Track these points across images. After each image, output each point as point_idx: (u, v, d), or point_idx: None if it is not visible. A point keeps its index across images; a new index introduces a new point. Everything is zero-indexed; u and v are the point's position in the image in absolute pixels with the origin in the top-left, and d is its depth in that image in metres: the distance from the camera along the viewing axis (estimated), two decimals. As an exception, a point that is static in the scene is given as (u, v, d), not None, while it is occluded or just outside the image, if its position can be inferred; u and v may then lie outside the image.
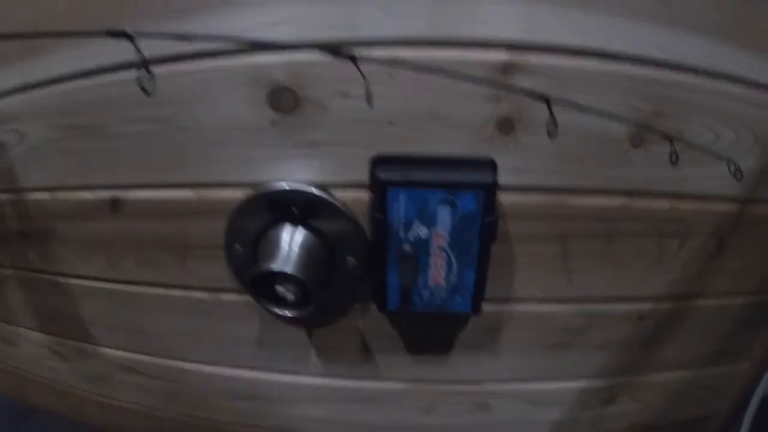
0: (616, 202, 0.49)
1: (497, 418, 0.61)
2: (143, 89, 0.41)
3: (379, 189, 0.43)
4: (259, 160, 0.48)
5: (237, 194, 0.49)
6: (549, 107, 0.40)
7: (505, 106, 0.44)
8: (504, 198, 0.47)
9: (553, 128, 0.40)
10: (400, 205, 0.43)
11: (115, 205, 0.53)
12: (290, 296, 0.46)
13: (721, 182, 0.50)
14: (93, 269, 0.59)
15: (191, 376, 0.62)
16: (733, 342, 0.61)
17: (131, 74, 0.47)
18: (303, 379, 0.59)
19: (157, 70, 0.45)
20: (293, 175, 0.48)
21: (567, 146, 0.46)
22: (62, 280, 0.61)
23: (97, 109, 0.50)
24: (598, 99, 0.44)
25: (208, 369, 0.61)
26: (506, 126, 0.45)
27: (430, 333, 0.55)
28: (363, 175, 0.47)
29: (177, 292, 0.56)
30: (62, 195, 0.55)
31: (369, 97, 0.37)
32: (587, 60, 0.44)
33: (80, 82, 0.49)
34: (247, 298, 0.55)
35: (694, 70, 0.46)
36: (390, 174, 0.43)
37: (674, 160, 0.45)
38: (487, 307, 0.50)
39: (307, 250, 0.47)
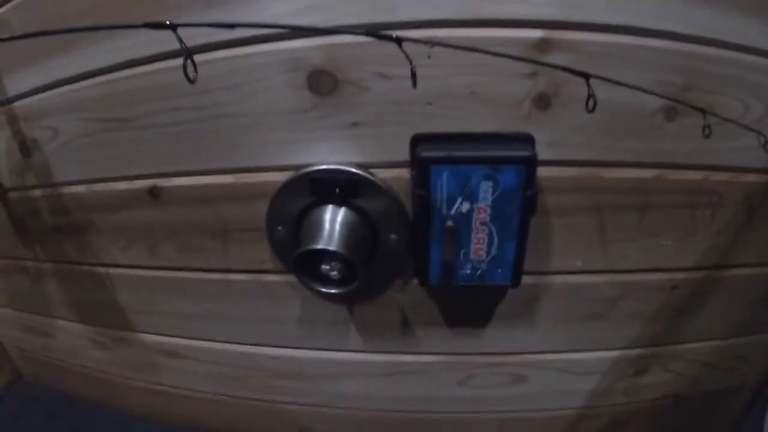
0: (649, 174, 0.47)
1: (533, 389, 0.59)
2: (187, 78, 0.40)
3: (422, 167, 0.41)
4: (299, 142, 0.46)
5: (277, 177, 0.48)
6: (588, 83, 0.38)
7: (542, 83, 0.42)
8: (541, 172, 0.45)
9: (592, 103, 0.38)
10: (443, 182, 0.41)
11: (154, 193, 0.52)
12: (335, 274, 0.45)
13: (750, 154, 0.48)
14: (133, 258, 0.58)
15: (235, 357, 0.61)
16: (763, 311, 0.58)
17: (168, 64, 0.46)
18: (344, 356, 0.58)
19: (197, 58, 0.45)
20: (334, 157, 0.46)
21: (602, 121, 0.44)
22: (101, 270, 0.61)
23: (133, 101, 0.49)
24: (632, 74, 0.42)
25: (252, 349, 0.60)
26: (543, 102, 0.43)
27: (469, 306, 0.54)
28: (403, 154, 0.45)
29: (218, 276, 0.55)
30: (99, 187, 0.55)
31: (414, 78, 0.35)
32: (620, 36, 0.42)
33: (115, 74, 0.48)
34: (288, 278, 0.54)
35: (724, 44, 0.44)
36: (432, 152, 0.41)
37: (707, 133, 0.42)
38: (525, 280, 0.48)
39: (350, 228, 0.45)
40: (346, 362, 0.58)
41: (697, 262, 0.53)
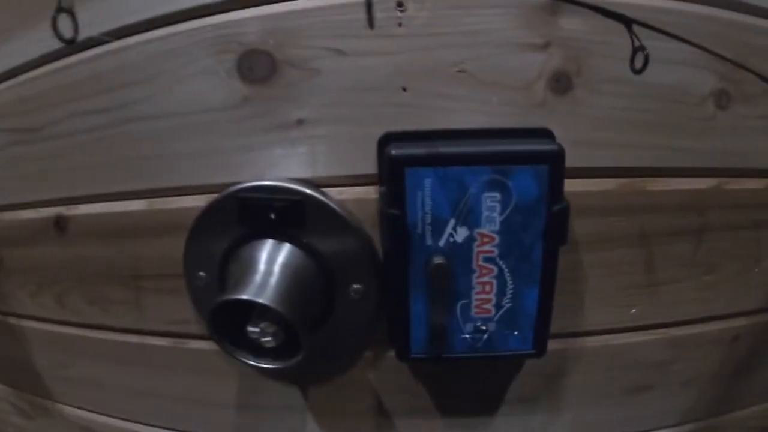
0: (705, 184, 0.29)
1: None
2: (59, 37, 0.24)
3: (393, 171, 0.23)
4: (227, 152, 0.28)
5: (200, 202, 0.29)
6: (631, 31, 0.23)
7: (558, 56, 0.26)
8: (568, 185, 0.26)
9: (641, 60, 0.23)
10: (425, 194, 0.23)
11: (60, 224, 0.33)
12: (268, 340, 0.25)
13: None
14: (42, 308, 0.37)
15: None
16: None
17: (79, 57, 0.28)
18: None
19: (109, 47, 0.28)
20: (273, 171, 0.28)
21: (640, 109, 0.27)
22: (14, 321, 0.39)
23: (41, 106, 0.30)
24: (674, 46, 0.26)
25: None
26: (561, 83, 0.26)
27: (469, 387, 0.32)
28: (369, 164, 0.27)
29: (132, 338, 0.34)
30: (6, 215, 0.35)
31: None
32: None
33: (24, 76, 0.30)
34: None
35: None
36: (409, 149, 0.23)
37: None
38: (551, 344, 0.29)
39: (293, 273, 0.26)
40: (299, 465, 0.37)
41: (761, 301, 0.34)
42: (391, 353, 0.28)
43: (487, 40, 0.26)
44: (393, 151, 0.23)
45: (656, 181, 0.29)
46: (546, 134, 0.25)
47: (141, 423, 0.38)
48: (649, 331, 0.32)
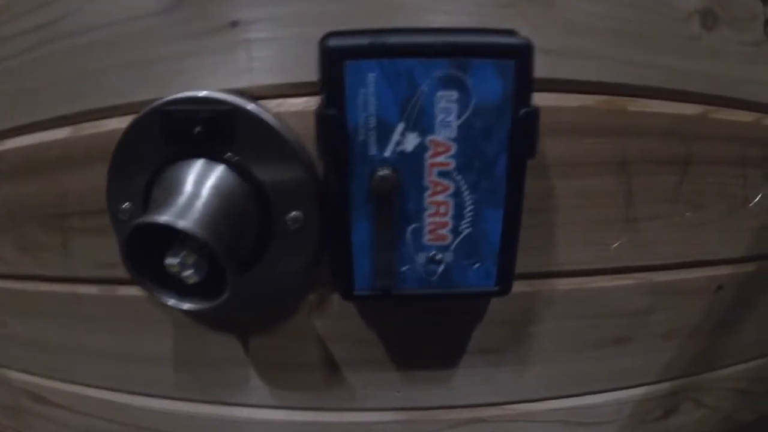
0: (690, 109, 0.25)
1: None
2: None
3: (330, 67, 0.18)
4: (154, 64, 0.23)
5: (123, 124, 0.23)
6: None
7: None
8: (541, 99, 0.21)
9: None
10: (368, 92, 0.18)
11: None
12: (189, 273, 0.20)
13: None
14: None
15: (103, 407, 0.33)
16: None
17: None
18: (241, 412, 0.29)
19: None
20: (204, 82, 0.22)
21: (620, 18, 0.22)
22: None
23: None
24: None
25: (120, 398, 0.31)
26: (710, 19, 0.22)
27: (427, 335, 0.27)
28: (311, 71, 0.21)
29: (63, 288, 0.29)
30: None
31: None
32: None
33: None
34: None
35: None
36: (348, 40, 0.18)
37: None
38: (518, 286, 0.24)
39: (221, 197, 0.21)
40: (244, 422, 0.30)
41: (748, 249, 0.29)
42: (338, 297, 0.23)
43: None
44: (331, 42, 0.18)
45: (637, 101, 0.24)
46: (511, 33, 0.20)
47: (83, 384, 0.33)
48: (627, 275, 0.27)
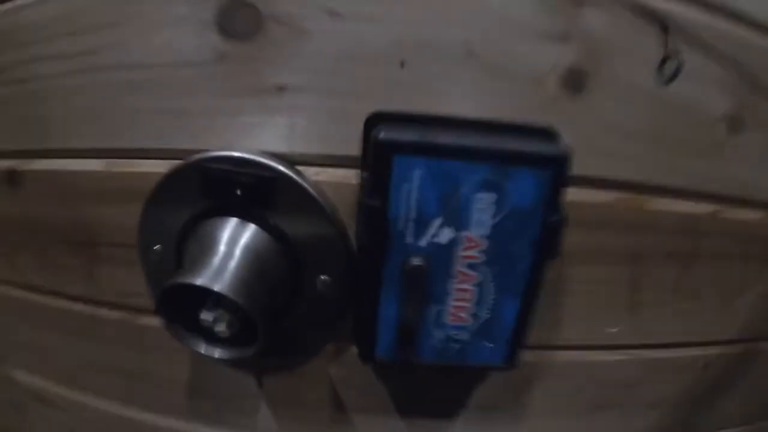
0: (704, 209, 0.26)
1: None
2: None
3: (379, 157, 0.18)
4: (195, 115, 0.23)
5: (161, 168, 0.24)
6: (666, 34, 0.19)
7: (577, 51, 0.21)
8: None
9: (673, 68, 0.19)
10: (412, 187, 0.18)
11: (12, 179, 0.27)
12: (222, 329, 0.21)
13: None
14: None
15: (109, 418, 0.34)
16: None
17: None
18: None
19: None
20: (245, 141, 0.23)
21: (653, 121, 0.23)
22: None
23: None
24: (700, 60, 0.22)
25: (128, 412, 0.32)
26: (576, 80, 0.22)
27: (432, 391, 0.29)
28: (352, 145, 0.22)
29: (83, 307, 0.29)
30: None
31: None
32: (687, 6, 0.22)
33: None
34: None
35: None
36: (399, 134, 0.18)
37: None
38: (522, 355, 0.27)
39: (255, 258, 0.21)
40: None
41: (736, 332, 0.31)
42: (354, 349, 0.24)
43: (501, 21, 0.21)
44: (382, 134, 0.18)
45: (655, 200, 0.25)
46: (551, 134, 0.21)
47: (92, 394, 0.33)
48: (624, 351, 0.28)
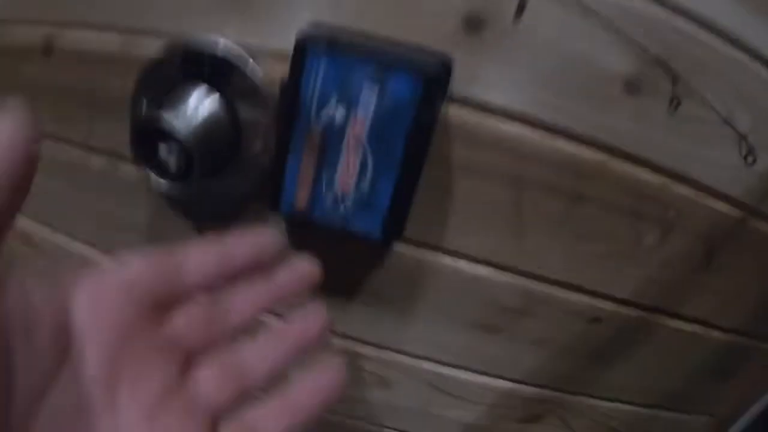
0: (591, 155, 0.34)
1: (398, 400, 0.43)
2: None
3: (298, 49, 0.29)
4: (192, 8, 0.35)
5: (159, 45, 0.36)
6: None
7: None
8: (456, 112, 0.33)
9: (522, 6, 0.27)
10: (318, 74, 0.29)
11: (46, 49, 0.40)
12: (172, 162, 0.32)
13: (726, 173, 0.35)
14: None
15: (82, 259, 0.47)
16: (696, 385, 0.43)
17: None
18: None
19: None
20: (224, 30, 0.34)
21: (548, 69, 0.32)
22: None
23: None
24: (598, 26, 0.31)
25: (98, 255, 0.45)
26: (474, 23, 0.31)
27: (333, 263, 0.36)
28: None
29: (78, 153, 0.42)
30: (4, 29, 0.43)
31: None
32: None
33: None
34: (143, 176, 0.40)
35: (719, 32, 0.32)
36: (315, 33, 0.29)
37: (675, 105, 0.30)
38: (407, 250, 0.36)
39: (211, 118, 0.33)
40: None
41: (632, 295, 0.39)
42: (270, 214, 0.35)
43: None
44: (303, 32, 0.29)
45: (544, 135, 0.33)
46: (443, 58, 0.31)
47: (71, 237, 0.47)
48: (506, 273, 0.37)
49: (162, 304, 0.24)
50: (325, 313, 0.28)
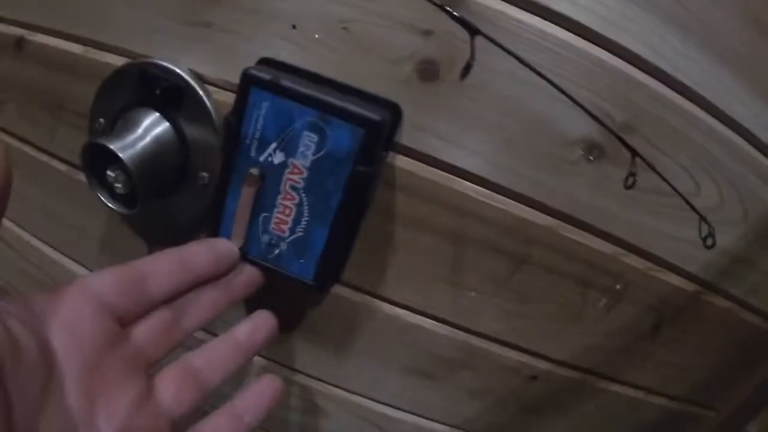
0: (542, 220, 0.32)
1: (333, 430, 0.42)
2: None
3: (242, 85, 0.27)
4: (152, 29, 0.33)
5: (120, 62, 0.34)
6: (472, 41, 0.24)
7: (435, 46, 0.29)
8: (402, 162, 0.31)
9: (465, 68, 0.24)
10: (260, 114, 0.27)
11: (19, 44, 0.39)
12: (119, 186, 0.31)
13: (682, 247, 0.33)
14: None
15: (41, 258, 0.45)
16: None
17: None
18: None
19: None
20: (178, 55, 0.33)
21: (503, 125, 0.30)
22: None
23: None
24: (560, 78, 0.27)
25: (56, 255, 0.44)
26: (429, 71, 0.29)
27: (273, 296, 0.35)
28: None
29: (43, 158, 0.41)
30: None
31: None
32: (554, 26, 0.28)
33: None
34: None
35: (692, 93, 0.30)
36: (261, 72, 0.27)
37: (630, 183, 0.27)
38: (345, 292, 0.35)
39: (159, 145, 0.32)
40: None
41: (572, 358, 0.37)
42: None
43: (378, 11, 0.29)
44: (248, 69, 0.28)
45: (491, 195, 0.31)
46: (390, 106, 0.29)
47: (37, 237, 0.45)
48: (445, 326, 0.35)
49: (127, 317, 0.24)
50: (273, 320, 0.28)
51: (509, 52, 0.25)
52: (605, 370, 0.38)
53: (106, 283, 0.24)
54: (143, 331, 0.24)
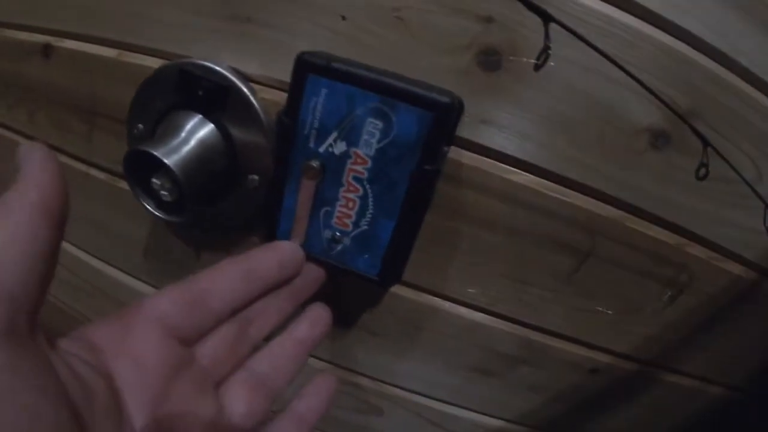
0: (608, 212, 0.29)
1: (389, 428, 0.38)
2: None
3: (297, 74, 0.24)
4: (189, 28, 0.30)
5: (157, 64, 0.31)
6: (546, 28, 0.22)
7: (497, 32, 0.26)
8: (464, 156, 0.28)
9: (544, 56, 0.22)
10: (318, 102, 0.24)
11: (46, 51, 0.36)
12: (165, 194, 0.27)
13: (745, 236, 0.30)
14: (15, 121, 0.40)
15: (83, 267, 0.41)
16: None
17: None
18: None
19: None
20: (221, 55, 0.29)
21: (570, 115, 0.27)
22: None
23: None
24: (627, 65, 0.25)
25: (100, 265, 0.40)
26: (491, 60, 0.26)
27: (330, 295, 0.31)
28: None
29: (80, 166, 0.37)
30: (4, 32, 0.37)
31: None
32: (621, 11, 0.25)
33: None
34: None
35: (753, 76, 0.27)
36: (314, 58, 0.24)
37: (702, 174, 0.25)
38: (406, 292, 0.31)
39: (204, 149, 0.28)
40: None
41: (632, 350, 0.33)
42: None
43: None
44: (303, 54, 0.24)
45: (558, 188, 0.28)
46: (451, 95, 0.25)
47: (71, 244, 0.42)
48: (504, 321, 0.32)
49: (192, 337, 0.22)
50: (327, 312, 0.26)
51: (583, 39, 0.22)
52: (664, 361, 0.35)
53: (168, 304, 0.21)
54: (209, 349, 0.22)
